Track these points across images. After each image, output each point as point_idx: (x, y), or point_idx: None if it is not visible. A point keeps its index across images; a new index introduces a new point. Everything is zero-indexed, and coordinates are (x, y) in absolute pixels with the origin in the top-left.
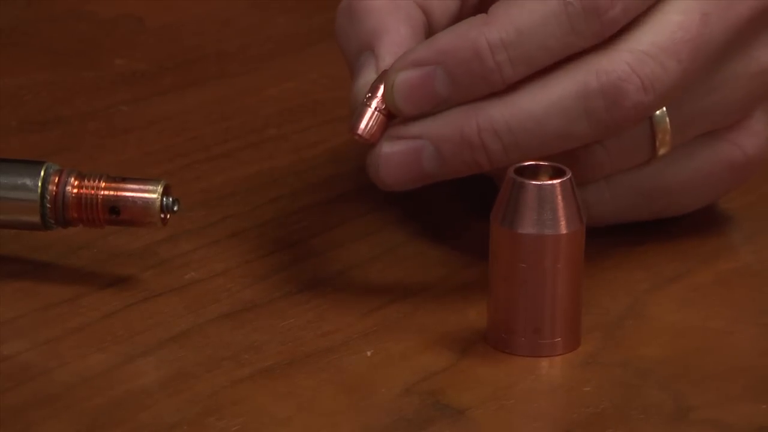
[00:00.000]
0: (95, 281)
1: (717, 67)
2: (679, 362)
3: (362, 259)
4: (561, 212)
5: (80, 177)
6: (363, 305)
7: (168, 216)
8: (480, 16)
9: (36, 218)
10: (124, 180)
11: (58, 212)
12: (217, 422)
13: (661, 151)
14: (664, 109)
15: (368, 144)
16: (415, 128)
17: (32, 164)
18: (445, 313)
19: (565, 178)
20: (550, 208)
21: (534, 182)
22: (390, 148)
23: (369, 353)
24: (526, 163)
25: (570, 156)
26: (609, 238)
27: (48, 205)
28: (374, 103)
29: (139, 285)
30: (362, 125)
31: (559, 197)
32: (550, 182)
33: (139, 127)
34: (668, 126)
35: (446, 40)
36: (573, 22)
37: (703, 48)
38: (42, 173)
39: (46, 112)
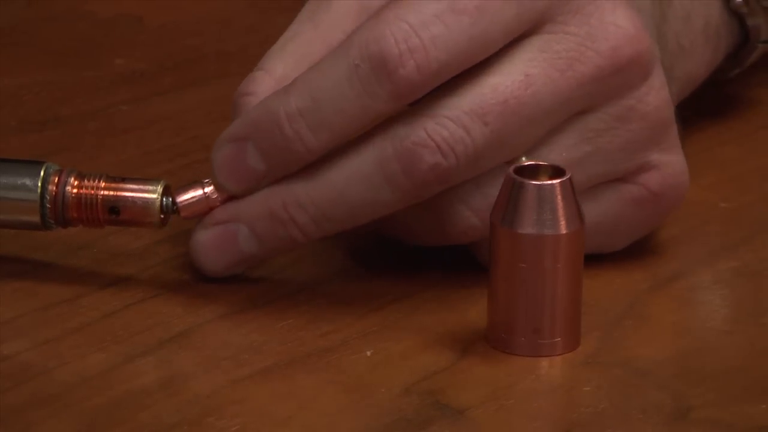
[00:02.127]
0: (95, 281)
1: (582, 117)
2: (679, 362)
3: (362, 259)
4: (561, 212)
5: (80, 177)
6: (363, 305)
7: (168, 216)
8: (285, 86)
9: (36, 218)
10: (124, 180)
11: (58, 212)
12: (217, 422)
13: None
14: (528, 162)
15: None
16: (226, 212)
17: (32, 164)
18: (445, 313)
19: (565, 178)
20: (549, 208)
21: (534, 182)
22: (204, 235)
23: (369, 353)
24: (526, 163)
25: (440, 225)
26: None
27: (48, 205)
28: (209, 188)
29: (139, 285)
30: (180, 198)
31: (559, 197)
32: (549, 182)
33: (139, 126)
34: None
35: (254, 113)
36: (364, 83)
37: (521, 109)
38: (42, 173)
39: (46, 112)
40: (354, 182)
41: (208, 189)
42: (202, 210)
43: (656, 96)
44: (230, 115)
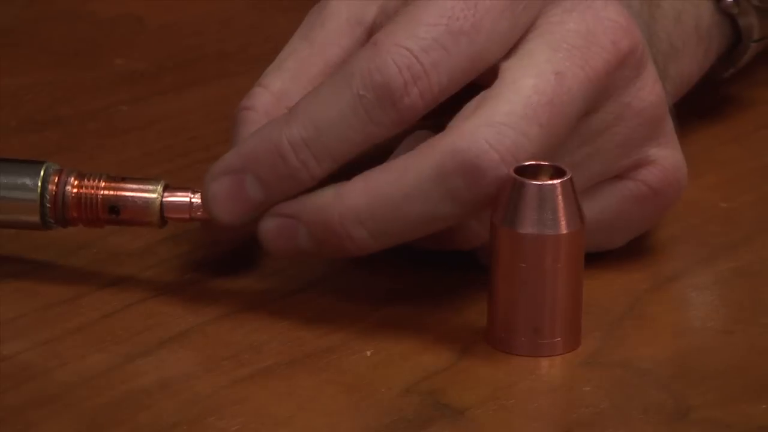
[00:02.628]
0: (95, 281)
1: (586, 119)
2: (679, 362)
3: (362, 259)
4: (561, 212)
5: (80, 177)
6: (363, 305)
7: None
8: (282, 115)
9: (36, 218)
10: (124, 179)
11: (58, 212)
12: (217, 422)
13: None
14: None
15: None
16: (289, 207)
17: (32, 164)
18: (445, 313)
19: (565, 178)
20: (550, 208)
21: (534, 182)
22: (271, 224)
23: (369, 353)
24: (527, 163)
25: (446, 232)
26: None
27: (48, 205)
28: (196, 199)
29: (139, 285)
30: (166, 197)
31: (560, 197)
32: (550, 182)
33: (139, 127)
34: None
35: (252, 144)
36: (369, 113)
37: (563, 106)
38: (42, 173)
39: (46, 112)
40: (413, 198)
41: (195, 199)
42: (183, 216)
43: (651, 91)
44: (230, 129)
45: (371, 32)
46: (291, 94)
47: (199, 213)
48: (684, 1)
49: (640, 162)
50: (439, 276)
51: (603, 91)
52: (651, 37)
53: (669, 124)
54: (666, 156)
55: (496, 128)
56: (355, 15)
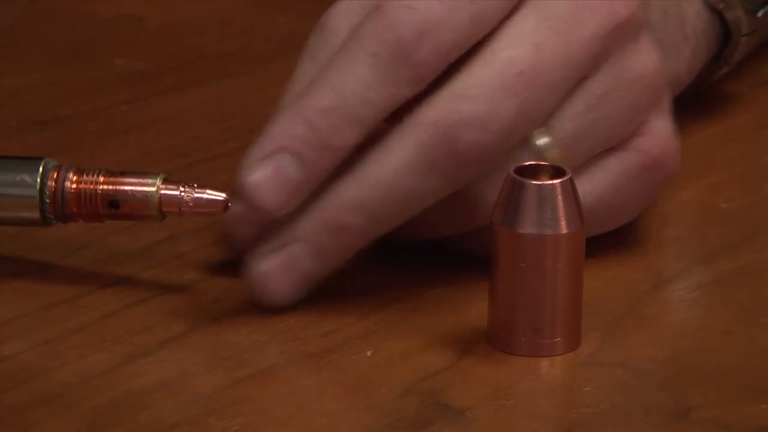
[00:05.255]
0: (95, 281)
1: (588, 84)
2: (679, 362)
3: (362, 259)
4: (561, 212)
5: (79, 172)
6: (363, 305)
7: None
8: (303, 89)
9: (35, 214)
10: (123, 174)
11: (58, 207)
12: (217, 422)
13: None
14: (547, 138)
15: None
16: (284, 235)
17: (31, 160)
18: (445, 313)
19: (565, 178)
20: (550, 208)
21: (534, 182)
22: (265, 264)
23: (369, 353)
24: (527, 163)
25: (465, 208)
26: (609, 238)
27: (47, 201)
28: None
29: (139, 285)
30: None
31: (560, 197)
32: (550, 182)
33: (139, 127)
34: (546, 154)
35: (279, 123)
36: (387, 71)
37: (540, 77)
38: (41, 169)
39: (46, 112)
40: (400, 176)
41: (186, 194)
42: (172, 208)
43: (649, 57)
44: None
45: None
46: None
47: (191, 204)
48: (669, 0)
49: (638, 131)
50: (439, 276)
51: (595, 56)
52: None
53: (666, 94)
54: (663, 125)
55: (468, 99)
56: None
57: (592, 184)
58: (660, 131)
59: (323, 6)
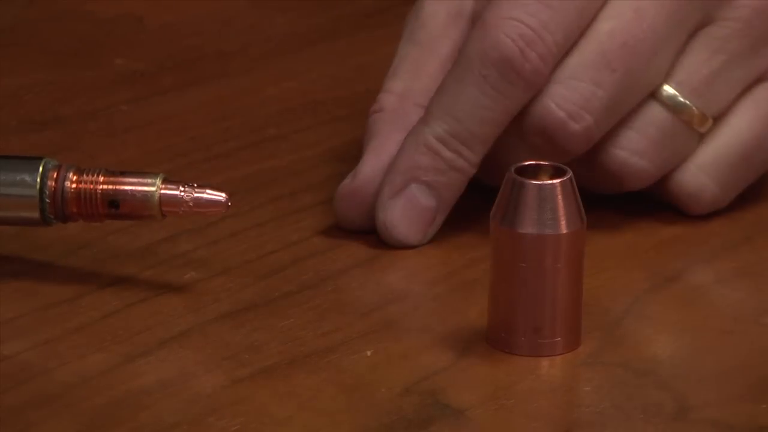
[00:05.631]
0: (95, 281)
1: (708, 30)
2: (679, 362)
3: (362, 259)
4: (561, 212)
5: (79, 172)
6: (363, 305)
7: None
8: (419, 120)
9: (35, 214)
10: (123, 174)
11: (58, 207)
12: (217, 422)
13: (702, 128)
14: (672, 90)
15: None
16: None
17: (31, 160)
18: (445, 313)
19: (565, 178)
20: (550, 208)
21: (534, 182)
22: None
23: (369, 353)
24: (526, 163)
25: (612, 180)
26: (609, 238)
27: (47, 200)
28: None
29: (139, 285)
30: (162, 188)
31: (560, 197)
32: (550, 182)
33: (139, 126)
34: (685, 102)
35: (403, 156)
36: (498, 89)
37: (641, 45)
38: (40, 168)
39: (46, 111)
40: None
41: (185, 193)
42: (172, 208)
43: None
44: (362, 139)
45: (473, 21)
46: (414, 92)
47: (191, 203)
48: None
49: None
50: (439, 276)
51: (701, 5)
52: None
53: None
54: None
55: (563, 83)
56: (454, 9)
57: (751, 118)
58: None
59: (323, 6)
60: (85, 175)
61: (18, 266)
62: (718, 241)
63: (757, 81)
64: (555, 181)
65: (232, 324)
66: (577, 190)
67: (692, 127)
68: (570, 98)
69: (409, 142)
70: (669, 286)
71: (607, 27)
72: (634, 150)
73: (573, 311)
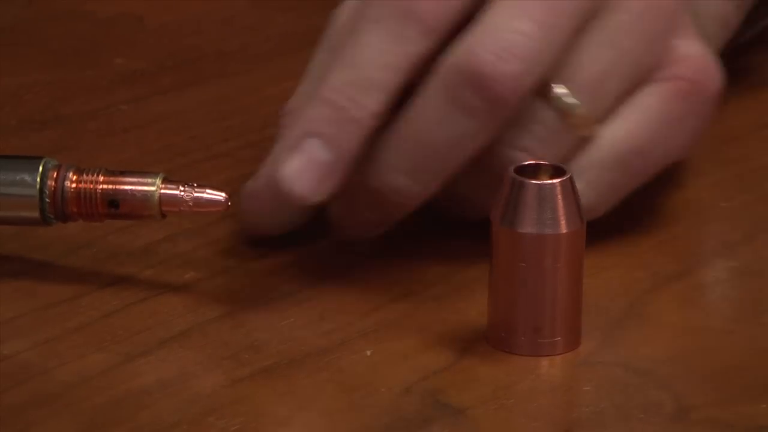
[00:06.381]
0: (95, 281)
1: (600, 23)
2: (679, 362)
3: (362, 258)
4: (561, 211)
5: (79, 171)
6: (363, 305)
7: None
8: (319, 77)
9: (35, 213)
10: (123, 173)
11: (58, 207)
12: (217, 422)
13: (587, 131)
14: (560, 89)
15: None
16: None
17: (30, 159)
18: (445, 313)
19: (565, 178)
20: (550, 208)
21: (534, 181)
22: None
23: (369, 353)
24: (526, 162)
25: (498, 178)
26: (609, 238)
27: (47, 200)
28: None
29: (139, 285)
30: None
31: (560, 196)
32: (550, 181)
33: (139, 126)
34: (572, 102)
35: (302, 113)
36: (394, 32)
37: (558, 2)
38: (40, 168)
39: (46, 111)
40: (435, 126)
41: (185, 193)
42: (172, 208)
43: None
44: (275, 138)
45: None
46: None
47: (190, 203)
48: None
49: (667, 60)
50: (439, 276)
51: None
52: None
53: (687, 17)
54: (690, 47)
55: (488, 33)
56: None
57: (634, 124)
58: (689, 53)
59: (323, 6)
60: (84, 175)
61: (18, 266)
62: (718, 241)
63: (642, 82)
64: (555, 180)
65: (232, 324)
66: (577, 189)
67: (578, 128)
68: (497, 44)
69: (302, 104)
70: (669, 286)
71: None
72: (519, 146)
73: (573, 311)
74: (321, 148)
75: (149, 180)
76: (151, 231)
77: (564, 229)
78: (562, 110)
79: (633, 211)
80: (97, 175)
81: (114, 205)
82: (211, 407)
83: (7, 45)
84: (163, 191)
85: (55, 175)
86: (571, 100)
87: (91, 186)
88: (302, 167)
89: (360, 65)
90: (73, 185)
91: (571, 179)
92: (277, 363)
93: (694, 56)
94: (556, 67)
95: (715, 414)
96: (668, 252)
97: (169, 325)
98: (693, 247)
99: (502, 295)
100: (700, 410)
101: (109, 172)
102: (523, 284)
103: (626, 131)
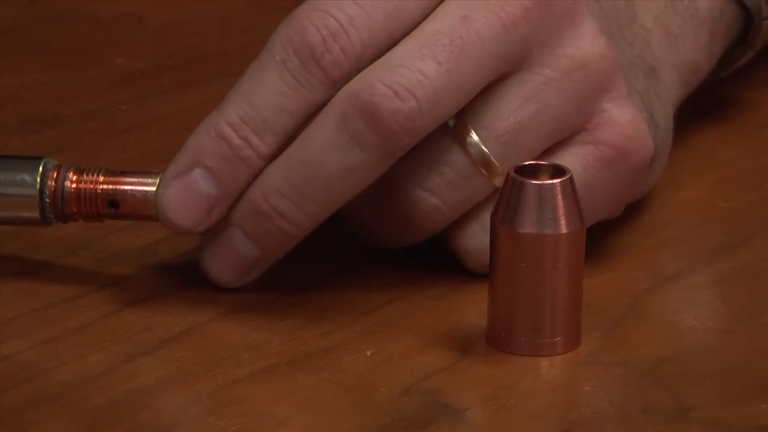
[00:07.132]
0: (95, 281)
1: (523, 75)
2: (679, 362)
3: (362, 259)
4: (561, 212)
5: (79, 171)
6: (363, 305)
7: None
8: (219, 106)
9: (35, 213)
10: (123, 173)
11: (58, 207)
12: (217, 422)
13: (496, 181)
14: (476, 137)
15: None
16: (219, 223)
17: (31, 159)
18: (445, 313)
19: (565, 178)
20: (550, 208)
21: (534, 181)
22: (205, 247)
23: (369, 353)
24: (527, 163)
25: (403, 215)
26: (609, 238)
27: (47, 200)
28: None
29: (139, 285)
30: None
31: (559, 197)
32: (550, 182)
33: (139, 126)
34: (486, 151)
35: (194, 138)
36: (296, 75)
37: (468, 48)
38: (40, 168)
39: (46, 111)
40: (324, 153)
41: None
42: None
43: (593, 43)
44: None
45: None
46: None
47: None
48: None
49: (595, 123)
50: (439, 276)
51: (526, 39)
52: (631, 24)
53: (620, 80)
54: (621, 112)
55: (389, 69)
56: None
57: None
58: (618, 119)
59: None
60: (85, 175)
61: (18, 266)
62: (717, 240)
63: (566, 141)
64: (555, 180)
65: (231, 324)
66: (577, 190)
67: (488, 177)
68: (396, 80)
69: (203, 125)
70: (669, 286)
71: (432, 27)
72: (429, 188)
73: (573, 311)
74: (207, 180)
75: (149, 180)
76: (151, 231)
77: (564, 230)
78: (474, 157)
79: (633, 211)
80: (97, 175)
81: (114, 205)
82: (211, 407)
83: (7, 45)
84: None
85: (55, 175)
86: (484, 148)
87: (91, 186)
88: (183, 195)
89: (258, 104)
90: (73, 185)
91: (571, 179)
92: (277, 363)
93: (624, 122)
94: (472, 113)
95: (715, 414)
96: (668, 252)
97: (169, 324)
98: (693, 247)
99: (502, 295)
100: (700, 410)
101: (109, 172)
102: (523, 284)
103: None
